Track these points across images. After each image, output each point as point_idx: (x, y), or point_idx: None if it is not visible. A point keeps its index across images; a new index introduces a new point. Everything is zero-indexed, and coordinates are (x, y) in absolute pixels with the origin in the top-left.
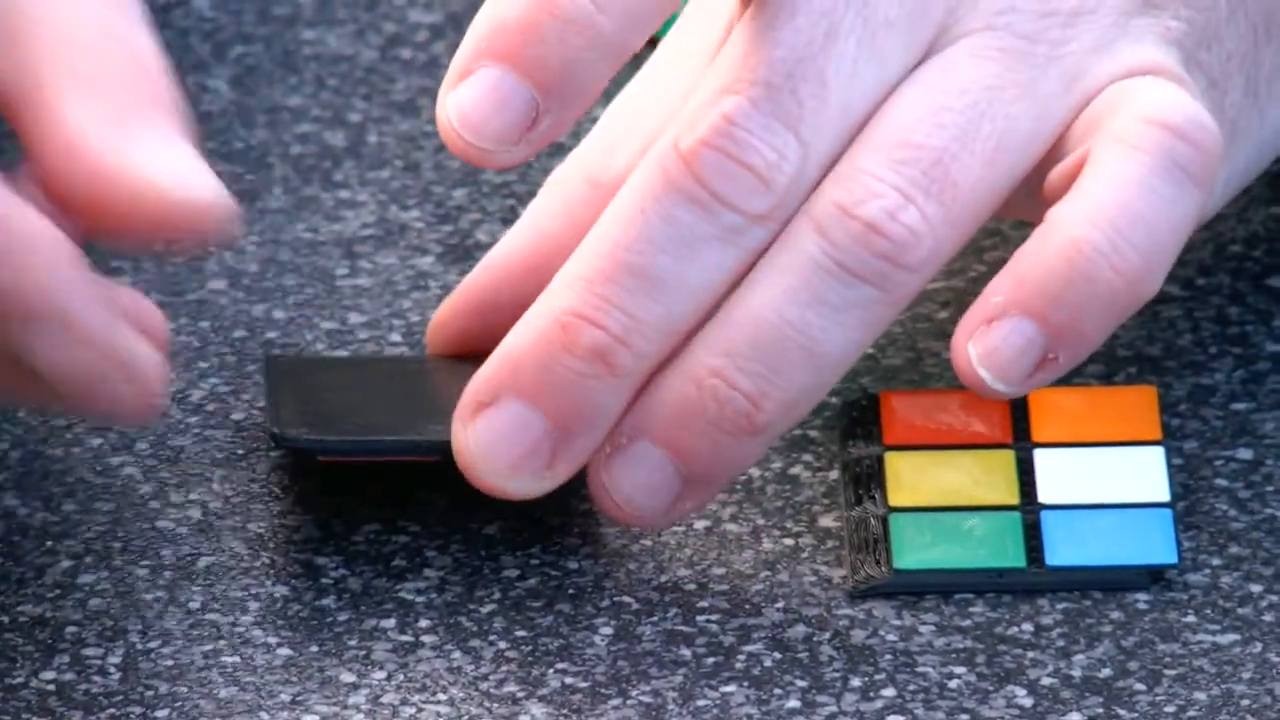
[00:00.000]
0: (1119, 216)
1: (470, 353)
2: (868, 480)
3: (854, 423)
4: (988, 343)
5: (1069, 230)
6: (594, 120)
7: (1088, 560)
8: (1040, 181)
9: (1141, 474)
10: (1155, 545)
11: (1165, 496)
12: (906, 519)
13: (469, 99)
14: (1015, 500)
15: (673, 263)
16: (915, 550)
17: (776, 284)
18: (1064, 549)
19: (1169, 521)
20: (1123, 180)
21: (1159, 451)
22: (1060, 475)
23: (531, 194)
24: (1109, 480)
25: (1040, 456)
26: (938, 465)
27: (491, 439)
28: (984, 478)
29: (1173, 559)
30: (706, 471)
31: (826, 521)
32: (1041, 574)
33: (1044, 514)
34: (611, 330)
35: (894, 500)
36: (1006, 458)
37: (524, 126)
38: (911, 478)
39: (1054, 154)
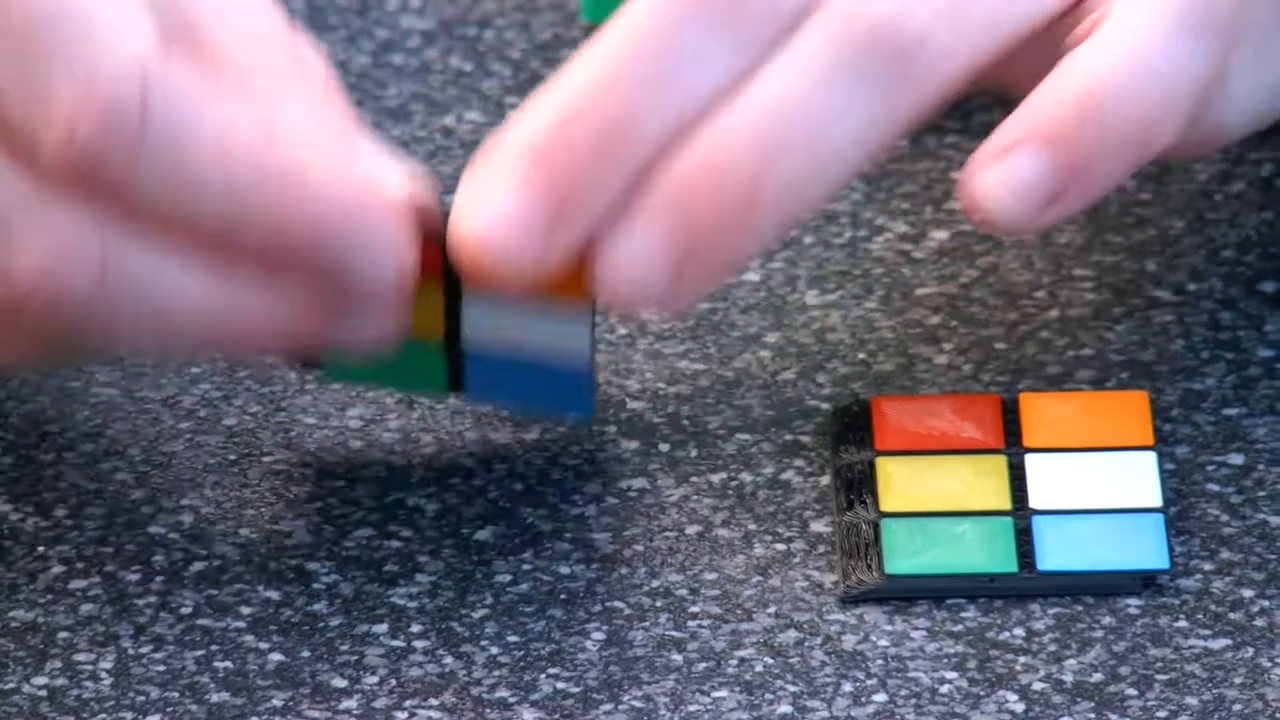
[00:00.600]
0: (1136, 65)
1: None
2: (859, 485)
3: (845, 428)
4: (998, 173)
5: (1086, 72)
6: None
7: (1079, 565)
8: (1055, 53)
9: (1133, 479)
10: (1147, 550)
11: (1157, 502)
12: (898, 524)
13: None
14: (1007, 505)
15: (683, 66)
16: (907, 555)
17: (785, 77)
18: (1056, 554)
19: (1161, 526)
20: (1143, 31)
21: (1151, 457)
22: (1052, 480)
23: None
24: (1101, 485)
25: (1032, 461)
26: (929, 470)
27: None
28: (975, 483)
29: (1165, 564)
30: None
31: (818, 527)
32: (1033, 579)
33: (1036, 519)
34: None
35: (885, 505)
36: (998, 463)
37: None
38: (903, 483)
39: (1072, 19)
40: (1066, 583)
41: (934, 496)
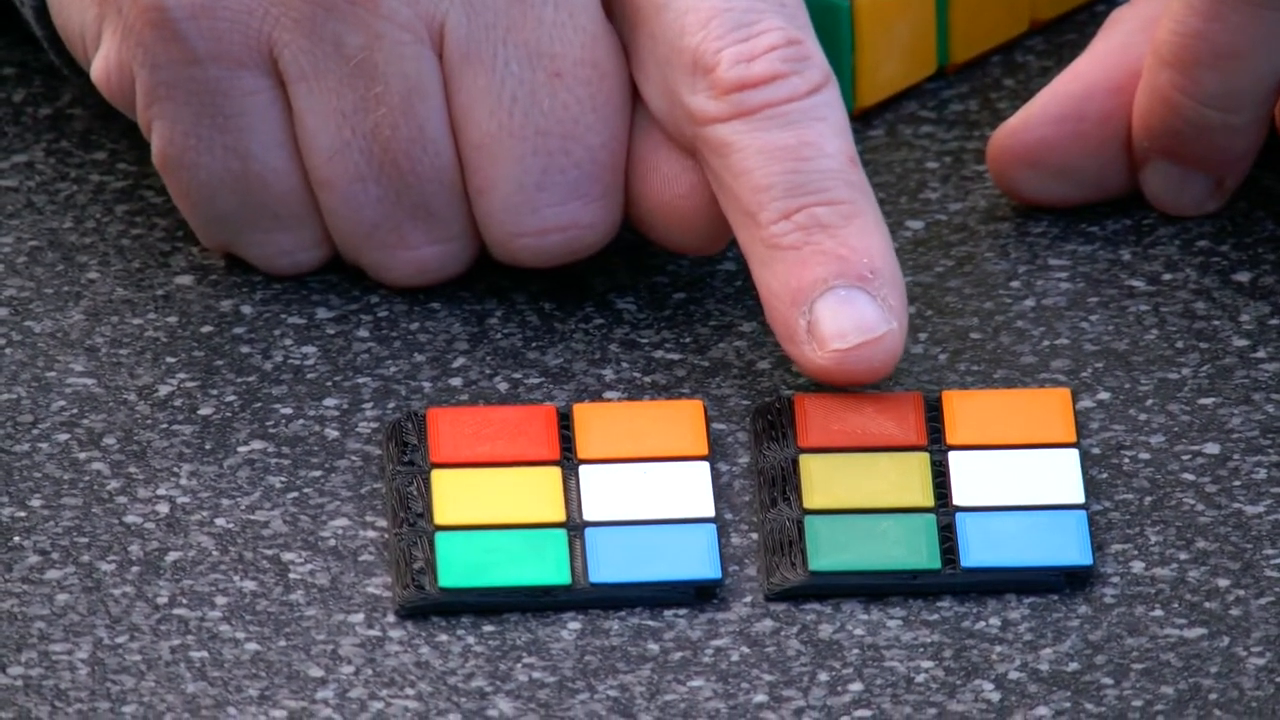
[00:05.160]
0: None
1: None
2: (782, 483)
3: (768, 425)
4: None
5: None
6: None
7: (1003, 561)
8: None
9: (1056, 476)
10: (1070, 547)
11: (1079, 498)
12: (821, 521)
13: None
14: (930, 502)
15: None
16: (830, 552)
17: None
18: (979, 550)
19: (1084, 523)
20: None
21: (1073, 454)
22: (975, 478)
23: None
24: (1024, 482)
25: (955, 459)
26: (852, 468)
27: None
28: (898, 480)
29: (1088, 560)
30: None
31: None
32: (956, 575)
33: (959, 516)
34: None
35: (809, 503)
36: (921, 460)
37: None
38: (826, 480)
39: None
40: (990, 579)
41: (857, 494)
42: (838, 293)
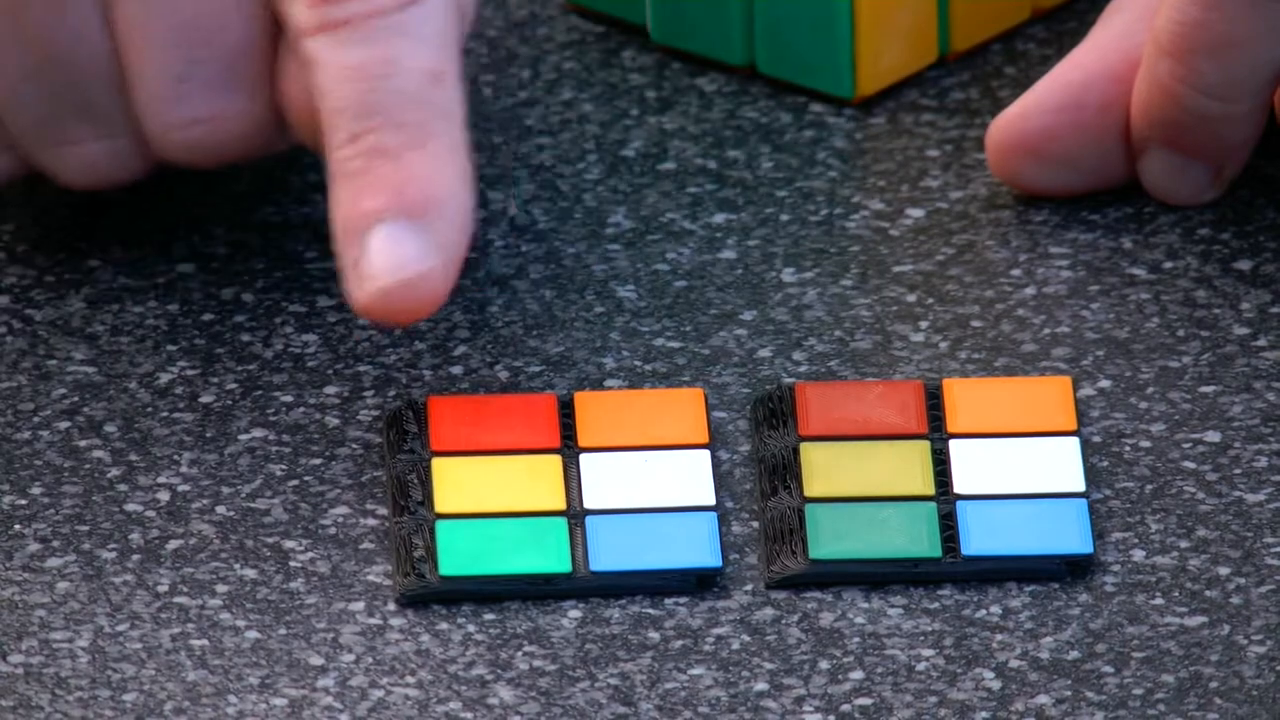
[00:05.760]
0: None
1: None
2: (783, 471)
3: (768, 414)
4: None
5: None
6: None
7: (1003, 550)
8: None
9: (1057, 464)
10: (1071, 535)
11: (1080, 487)
12: (822, 509)
13: None
14: (931, 491)
15: None
16: (831, 541)
17: None
18: (980, 539)
19: (1084, 511)
20: None
21: (1074, 442)
22: (976, 466)
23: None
24: (1024, 471)
25: (956, 447)
26: (853, 456)
27: None
28: (899, 468)
29: (1088, 549)
30: None
31: None
32: (957, 564)
33: (960, 504)
34: None
35: (809, 491)
36: (922, 448)
37: None
38: (826, 469)
39: None
40: (990, 567)
41: (858, 482)
42: (387, 226)
